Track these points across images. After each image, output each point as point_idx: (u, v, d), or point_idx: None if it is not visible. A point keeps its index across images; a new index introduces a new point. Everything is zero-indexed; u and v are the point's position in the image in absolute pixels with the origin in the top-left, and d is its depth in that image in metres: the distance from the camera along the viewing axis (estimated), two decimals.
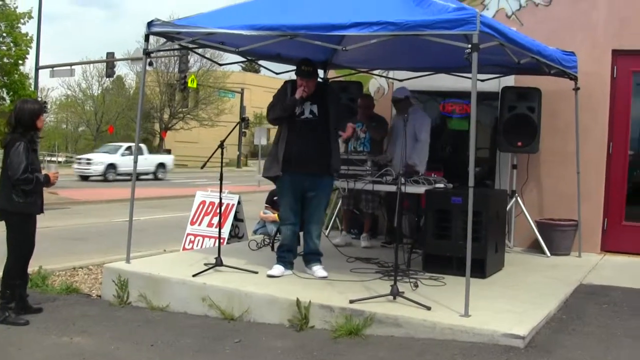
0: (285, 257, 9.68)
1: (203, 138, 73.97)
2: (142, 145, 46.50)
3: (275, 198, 14.15)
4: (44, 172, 8.68)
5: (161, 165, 50.62)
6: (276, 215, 13.66)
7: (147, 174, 47.67)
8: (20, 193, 8.41)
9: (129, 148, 47.02)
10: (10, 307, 8.60)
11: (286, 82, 9.96)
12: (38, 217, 8.79)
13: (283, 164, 9.55)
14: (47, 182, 8.62)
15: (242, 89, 74.79)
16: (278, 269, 9.54)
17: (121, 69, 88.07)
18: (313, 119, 9.63)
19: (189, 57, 50.43)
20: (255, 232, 14.24)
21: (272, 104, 9.86)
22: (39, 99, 41.04)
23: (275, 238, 11.44)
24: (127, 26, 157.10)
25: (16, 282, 8.68)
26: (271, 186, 11.37)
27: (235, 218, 13.68)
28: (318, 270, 9.64)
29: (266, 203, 14.58)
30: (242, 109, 70.64)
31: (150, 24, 9.84)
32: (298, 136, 9.54)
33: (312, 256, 9.82)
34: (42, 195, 8.76)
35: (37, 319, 8.64)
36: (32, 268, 9.23)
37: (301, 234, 10.01)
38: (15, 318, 8.48)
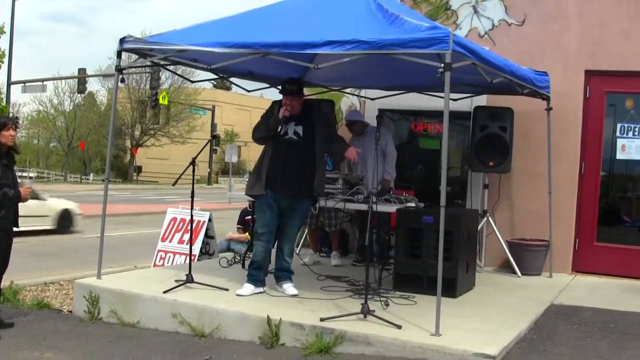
0: (256, 275, 9.58)
1: (174, 155, 74.11)
2: None
3: (247, 218, 14.12)
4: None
5: None
6: (247, 234, 13.63)
7: None
8: None
9: None
10: None
11: (274, 102, 9.91)
12: None
13: (265, 183, 9.53)
14: (18, 197, 8.56)
15: (214, 106, 74.96)
16: (248, 288, 9.46)
17: (93, 85, 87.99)
18: (297, 140, 9.58)
19: (160, 73, 50.46)
20: (219, 252, 14.16)
21: (259, 124, 9.83)
22: (11, 114, 40.87)
23: (246, 256, 11.40)
24: (99, 42, 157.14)
25: None
26: (242, 204, 11.32)
27: (206, 235, 13.63)
28: (289, 288, 9.61)
29: (238, 224, 14.54)
30: (213, 126, 70.81)
31: (122, 41, 9.79)
32: (280, 156, 9.45)
33: (283, 274, 9.78)
34: (15, 209, 8.70)
35: (9, 333, 8.57)
36: (3, 283, 9.16)
37: (273, 251, 9.98)
38: None
